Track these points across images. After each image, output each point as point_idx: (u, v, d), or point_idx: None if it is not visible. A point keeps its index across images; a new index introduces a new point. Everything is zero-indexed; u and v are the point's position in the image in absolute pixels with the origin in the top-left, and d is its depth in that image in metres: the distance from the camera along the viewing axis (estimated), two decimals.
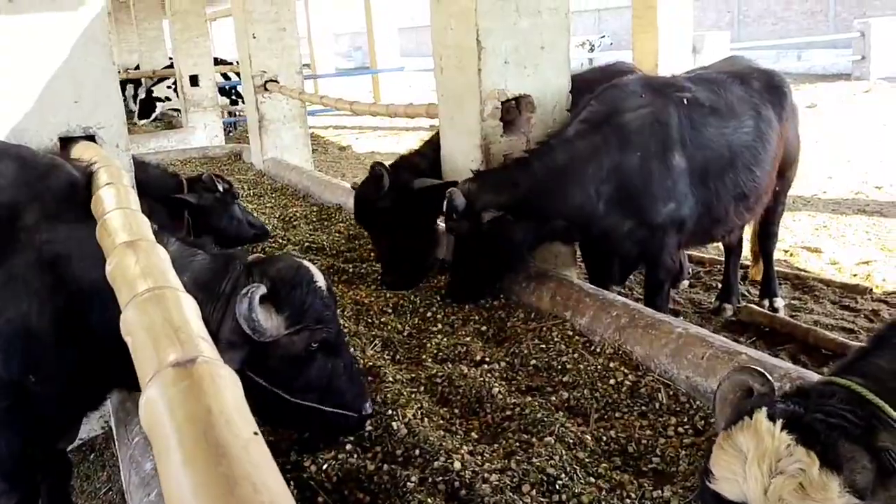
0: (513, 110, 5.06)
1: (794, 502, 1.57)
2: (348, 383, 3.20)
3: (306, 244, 6.42)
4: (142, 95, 18.21)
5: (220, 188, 6.30)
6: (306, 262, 3.07)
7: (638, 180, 4.40)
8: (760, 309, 5.67)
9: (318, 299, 3.00)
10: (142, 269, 1.83)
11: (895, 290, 6.16)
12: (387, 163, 5.53)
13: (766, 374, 1.92)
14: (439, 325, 4.67)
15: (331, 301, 3.09)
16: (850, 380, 1.81)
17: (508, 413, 3.57)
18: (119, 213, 2.39)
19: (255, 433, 1.07)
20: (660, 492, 2.85)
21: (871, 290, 6.09)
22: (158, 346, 1.37)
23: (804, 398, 1.78)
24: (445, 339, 4.46)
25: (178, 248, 3.03)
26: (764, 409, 1.72)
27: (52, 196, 2.97)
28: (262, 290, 2.81)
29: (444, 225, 4.67)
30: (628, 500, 2.83)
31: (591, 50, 25.31)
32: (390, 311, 4.96)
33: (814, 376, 3.35)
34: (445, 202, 4.48)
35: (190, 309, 1.58)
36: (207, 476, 0.97)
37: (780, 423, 1.66)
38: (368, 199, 5.38)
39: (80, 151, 3.67)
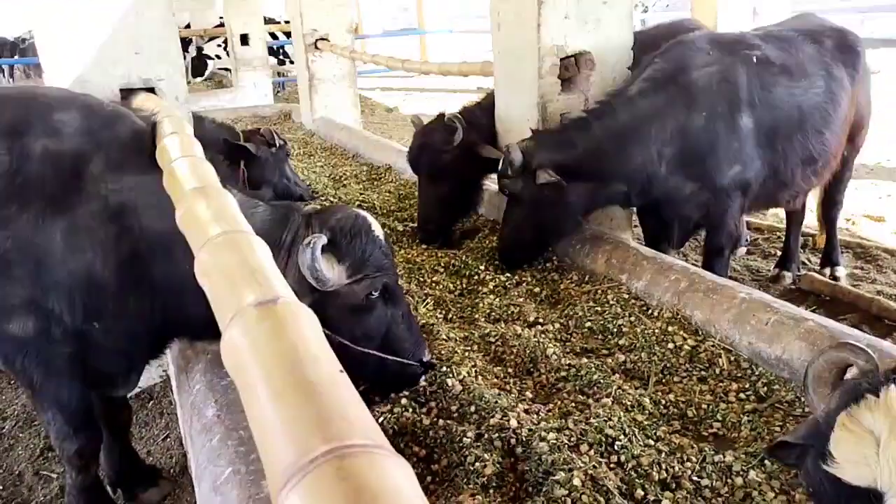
0: (572, 67, 4.92)
1: None
2: (407, 332, 3.25)
3: (357, 203, 6.41)
4: (192, 54, 18.31)
5: (277, 143, 6.34)
6: (363, 212, 3.06)
7: (703, 142, 4.25)
8: (822, 277, 5.50)
9: (378, 248, 3.01)
10: (213, 213, 1.81)
11: None
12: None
13: (869, 350, 1.78)
14: (491, 286, 4.63)
15: (388, 250, 3.09)
16: None
17: (563, 374, 3.53)
18: (186, 160, 2.39)
19: (341, 370, 1.04)
20: (721, 456, 2.79)
21: None
22: (236, 287, 1.35)
23: None
24: (497, 300, 4.42)
25: (241, 198, 3.04)
26: (893, 386, 1.59)
27: (117, 145, 2.99)
28: (324, 239, 2.82)
29: (497, 184, 4.60)
30: (689, 464, 2.77)
31: (645, 11, 24.61)
32: (442, 270, 4.94)
33: (890, 347, 3.23)
34: (502, 159, 4.41)
35: (264, 252, 1.56)
36: (299, 411, 0.95)
37: None
38: (436, 148, 5.35)
39: (141, 102, 3.69)
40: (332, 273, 2.85)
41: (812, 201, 5.80)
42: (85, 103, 3.12)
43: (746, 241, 6.32)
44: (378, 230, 3.06)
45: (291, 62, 17.45)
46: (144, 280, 2.99)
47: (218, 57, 17.97)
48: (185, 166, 2.34)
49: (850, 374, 1.87)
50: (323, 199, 6.63)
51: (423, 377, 3.34)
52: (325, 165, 8.19)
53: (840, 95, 4.67)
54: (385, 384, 3.33)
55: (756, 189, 4.44)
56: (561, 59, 4.89)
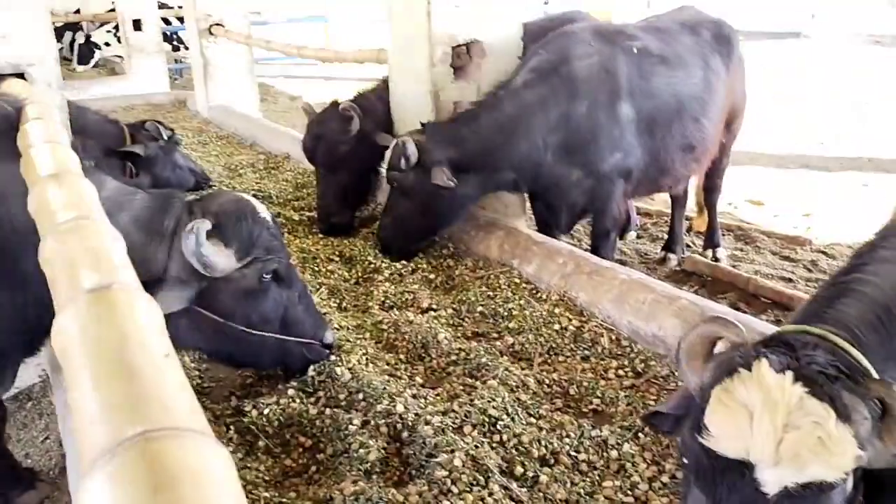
0: (464, 56, 4.96)
1: (809, 457, 1.50)
2: (305, 313, 3.23)
3: (252, 192, 6.27)
4: (80, 41, 17.44)
5: (164, 136, 6.12)
6: (246, 195, 3.01)
7: (586, 130, 4.38)
8: (703, 259, 5.77)
9: (265, 230, 2.97)
10: (65, 200, 1.75)
11: (833, 241, 6.33)
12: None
13: (740, 324, 1.82)
14: (386, 274, 4.65)
15: (277, 231, 3.06)
16: (823, 328, 1.77)
17: (454, 358, 3.58)
18: (46, 146, 2.28)
19: (167, 355, 1.03)
20: (598, 431, 2.91)
21: (811, 241, 6.24)
22: (75, 274, 1.31)
23: (788, 348, 1.69)
24: (393, 288, 4.44)
25: (116, 186, 2.94)
26: (764, 360, 1.62)
27: None
28: (208, 224, 2.75)
29: (387, 175, 4.59)
30: (567, 440, 2.87)
31: (546, 3, 25.05)
32: (337, 259, 4.92)
33: (752, 321, 3.44)
34: (393, 151, 4.41)
35: (112, 239, 1.51)
36: (116, 396, 0.94)
37: (789, 375, 1.57)
38: (333, 138, 5.28)
39: (7, 87, 3.49)
40: (220, 258, 2.79)
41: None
42: None
43: (636, 225, 6.56)
44: (264, 212, 3.01)
45: (187, 48, 16.86)
46: (15, 272, 2.84)
47: (107, 44, 17.16)
48: (43, 152, 2.24)
49: (720, 347, 1.96)
50: (217, 188, 6.46)
51: (311, 368, 3.33)
52: (221, 154, 7.99)
53: (716, 84, 4.90)
54: (289, 365, 3.32)
55: (638, 175, 4.61)
56: (453, 48, 4.93)
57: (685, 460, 1.76)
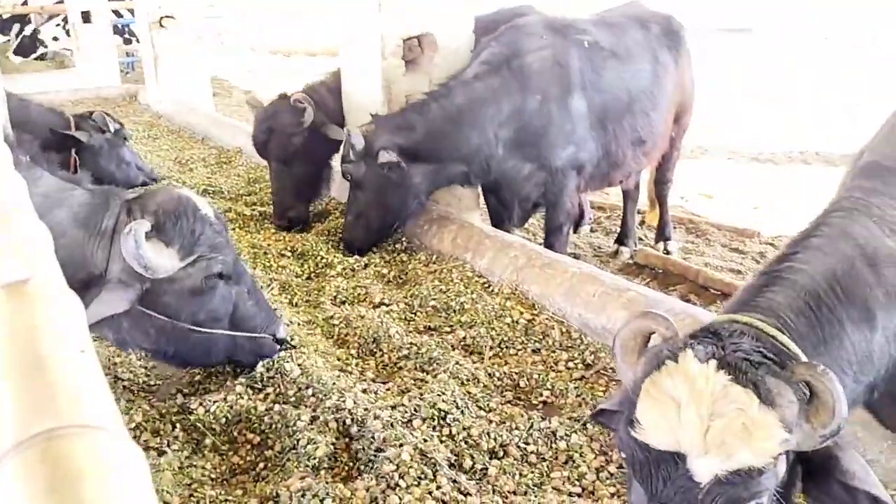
0: (415, 49, 4.95)
1: (735, 443, 1.52)
2: (255, 308, 3.19)
3: (203, 187, 6.19)
4: (27, 33, 16.95)
5: (111, 128, 5.98)
6: (186, 191, 2.95)
7: (538, 124, 4.40)
8: (655, 252, 5.84)
9: (208, 227, 2.91)
10: None
11: (781, 233, 6.46)
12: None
13: (669, 317, 1.85)
14: (339, 269, 4.61)
15: (221, 227, 3.00)
16: (752, 316, 1.80)
17: (405, 352, 3.57)
18: None
19: (83, 351, 1.00)
20: (547, 422, 2.92)
21: (759, 233, 6.37)
22: None
23: (716, 337, 1.72)
24: (345, 283, 4.41)
25: (53, 182, 2.86)
26: (689, 351, 1.64)
27: None
28: (147, 225, 2.69)
29: (340, 168, 4.57)
30: (517, 432, 2.88)
31: None
32: (289, 254, 4.87)
33: (698, 311, 3.49)
34: (343, 144, 4.39)
35: (35, 230, 1.47)
36: (25, 392, 0.90)
37: (712, 364, 1.60)
38: (285, 131, 5.21)
39: None
40: (162, 259, 2.73)
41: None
42: None
43: (590, 219, 6.62)
44: (206, 208, 2.95)
45: (139, 41, 16.52)
46: None
47: (56, 39, 16.70)
48: None
49: (654, 340, 1.98)
50: (167, 184, 6.34)
51: (260, 364, 3.29)
52: (171, 149, 7.84)
53: (665, 79, 4.96)
54: (240, 361, 3.27)
55: (590, 169, 4.65)
56: (404, 41, 4.91)
57: (623, 455, 1.78)
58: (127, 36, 16.97)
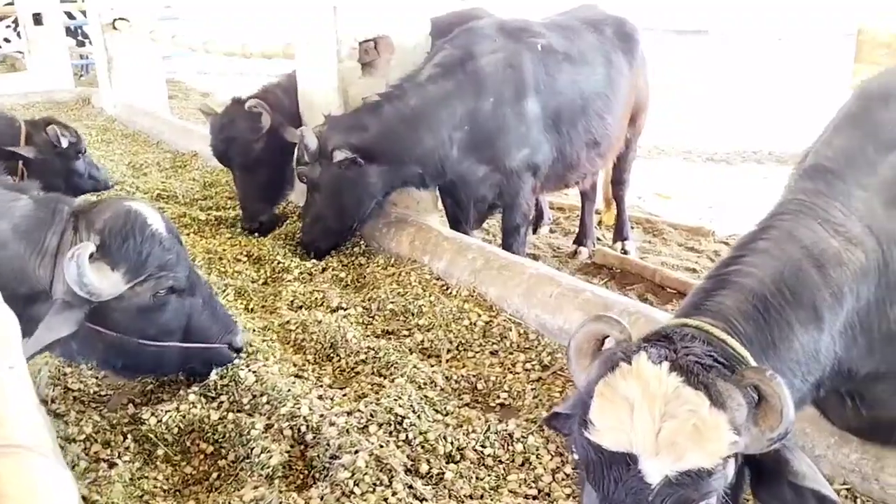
0: (372, 51, 4.93)
1: (686, 444, 1.54)
2: (211, 319, 3.13)
3: (157, 192, 6.08)
4: None
5: (64, 143, 5.78)
6: (136, 205, 2.87)
7: (492, 126, 4.41)
8: (613, 252, 5.90)
9: (157, 245, 2.84)
10: None
11: (735, 232, 6.57)
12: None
13: (622, 321, 1.87)
14: (296, 273, 4.57)
15: (173, 242, 2.93)
16: (701, 320, 1.82)
17: (362, 357, 3.55)
18: None
19: (12, 367, 0.97)
20: (504, 425, 2.93)
21: (714, 232, 6.47)
22: None
23: (668, 341, 1.74)
24: (302, 287, 4.37)
25: None
26: (643, 353, 1.66)
27: None
28: (91, 248, 2.62)
29: (297, 170, 4.53)
30: (474, 435, 2.88)
31: None
32: (245, 259, 4.81)
33: (653, 311, 3.53)
34: (297, 145, 4.35)
35: None
36: None
37: (665, 365, 1.61)
38: (245, 138, 5.15)
39: None
40: (107, 283, 2.66)
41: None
42: None
43: (549, 220, 6.65)
44: (156, 222, 2.87)
45: (92, 43, 16.17)
46: None
47: (7, 41, 16.26)
48: None
49: (608, 344, 1.99)
50: (120, 189, 6.21)
51: (214, 372, 3.24)
52: (125, 153, 7.70)
53: (619, 81, 5.01)
54: (195, 371, 3.23)
55: (545, 170, 4.67)
56: (360, 43, 4.88)
57: (576, 456, 1.78)
58: (80, 38, 16.60)
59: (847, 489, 2.51)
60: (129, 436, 2.94)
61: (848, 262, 2.02)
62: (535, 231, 6.35)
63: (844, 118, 2.35)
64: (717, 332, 1.78)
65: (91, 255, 2.60)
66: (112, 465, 2.76)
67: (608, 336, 1.91)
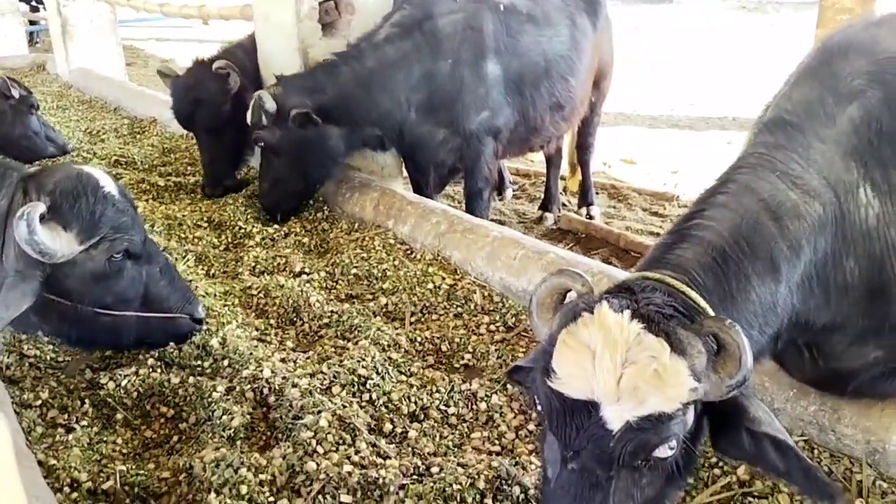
0: (332, 11, 4.83)
1: (648, 390, 1.56)
2: (169, 288, 3.07)
3: (115, 158, 5.93)
4: None
5: (16, 94, 5.65)
6: (87, 168, 2.80)
7: (450, 88, 4.35)
8: (578, 217, 5.92)
9: (110, 206, 2.77)
10: None
11: None
12: None
13: (584, 274, 1.87)
14: (258, 239, 4.51)
15: (126, 205, 2.86)
16: (662, 273, 1.83)
17: (326, 321, 3.52)
18: None
19: None
20: (468, 385, 2.93)
21: (678, 197, 6.52)
22: None
23: (629, 293, 1.75)
24: (264, 252, 4.31)
25: None
26: (605, 303, 1.67)
27: None
28: (41, 207, 2.54)
29: (253, 134, 4.43)
30: (437, 395, 2.88)
31: None
32: (205, 224, 4.72)
33: (615, 270, 3.54)
34: (252, 109, 4.25)
35: None
36: None
37: (627, 314, 1.62)
38: (213, 100, 5.01)
39: None
40: (59, 243, 2.58)
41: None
42: None
43: (511, 184, 6.63)
44: (109, 185, 2.80)
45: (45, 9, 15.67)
46: None
47: None
48: None
49: (570, 298, 1.99)
50: (76, 155, 6.06)
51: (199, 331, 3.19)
52: (82, 119, 7.50)
53: (584, 44, 4.97)
54: (155, 343, 3.14)
55: (507, 134, 4.63)
56: (320, 3, 4.78)
57: (539, 407, 1.79)
58: (34, 3, 16.09)
59: (805, 440, 2.56)
60: (86, 401, 2.89)
61: (805, 215, 2.03)
62: (499, 196, 6.34)
63: (804, 71, 2.35)
64: (677, 284, 1.80)
65: (42, 217, 2.53)
66: (70, 430, 2.71)
67: (570, 290, 1.91)
